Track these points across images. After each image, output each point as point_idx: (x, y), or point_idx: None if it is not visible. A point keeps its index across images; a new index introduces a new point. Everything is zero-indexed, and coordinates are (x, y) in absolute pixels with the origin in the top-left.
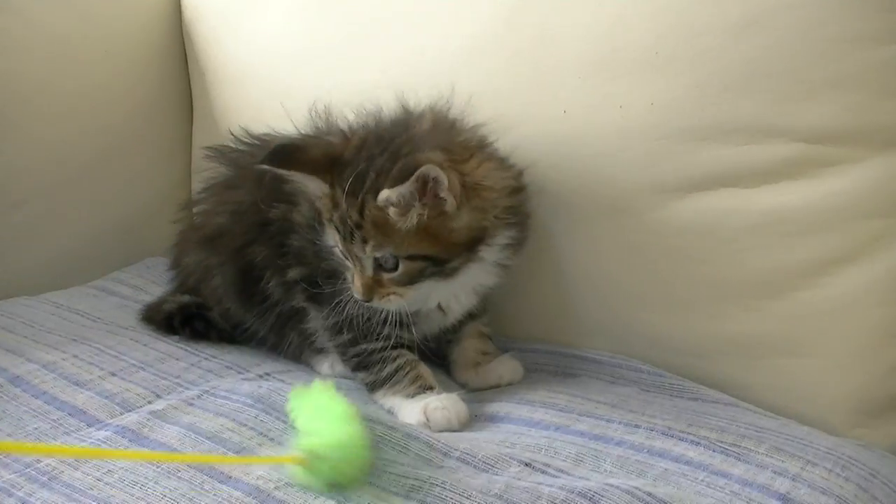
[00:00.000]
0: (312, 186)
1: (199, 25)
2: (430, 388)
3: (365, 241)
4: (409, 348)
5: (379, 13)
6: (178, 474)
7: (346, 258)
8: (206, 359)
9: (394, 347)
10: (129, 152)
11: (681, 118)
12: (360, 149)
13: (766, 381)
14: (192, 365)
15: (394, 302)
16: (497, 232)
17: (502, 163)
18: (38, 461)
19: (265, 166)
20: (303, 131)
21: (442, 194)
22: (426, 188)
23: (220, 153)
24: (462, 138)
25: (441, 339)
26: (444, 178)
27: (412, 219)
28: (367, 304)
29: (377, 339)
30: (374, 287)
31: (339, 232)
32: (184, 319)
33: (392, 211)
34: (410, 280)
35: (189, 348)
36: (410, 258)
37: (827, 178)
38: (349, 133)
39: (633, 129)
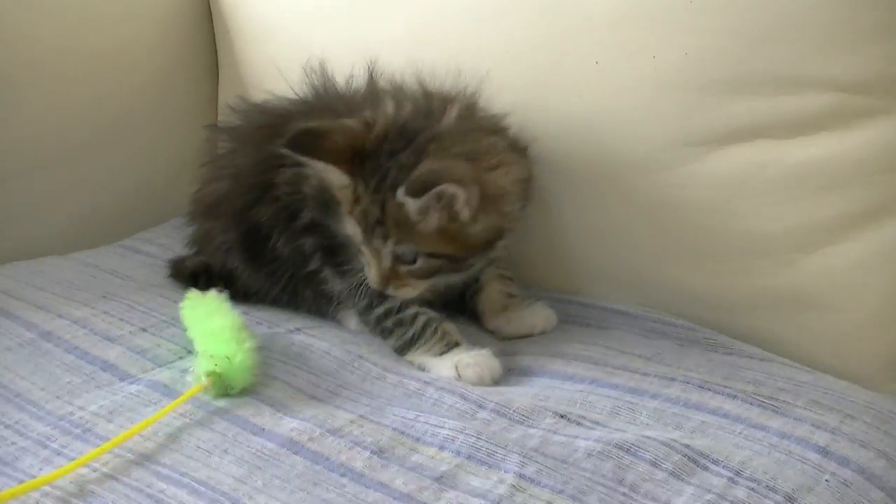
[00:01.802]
0: (332, 175)
1: None
2: (457, 345)
3: (386, 237)
4: (431, 305)
5: None
6: (212, 426)
7: (364, 248)
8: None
9: (411, 305)
10: (153, 113)
11: (715, 68)
12: (382, 140)
13: (800, 336)
14: None
15: (409, 292)
16: (514, 224)
17: (519, 151)
18: (73, 413)
19: (286, 151)
20: (299, 92)
21: (457, 208)
22: (441, 201)
23: (218, 129)
24: (488, 142)
25: (461, 291)
26: (462, 195)
27: (432, 222)
28: (382, 292)
29: (392, 299)
30: (390, 278)
31: (359, 225)
32: (209, 279)
33: (412, 211)
34: (427, 274)
35: None
36: (430, 256)
37: (865, 130)
38: (370, 119)
39: (667, 80)
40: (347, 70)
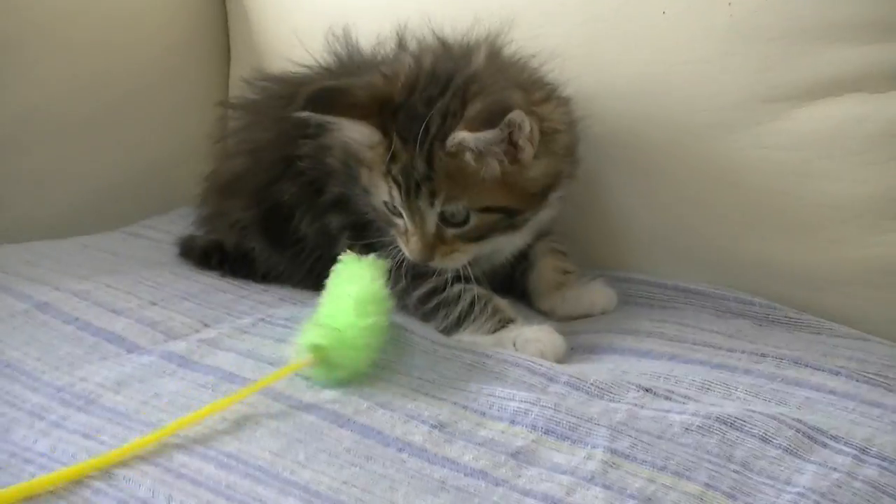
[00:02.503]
0: (359, 134)
1: None
2: (511, 321)
3: (434, 195)
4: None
5: None
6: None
7: (400, 215)
8: (256, 292)
9: (455, 283)
10: (161, 91)
11: (799, 14)
12: (411, 89)
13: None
14: (242, 297)
15: (457, 260)
16: (568, 174)
17: (560, 96)
18: (73, 384)
19: (305, 113)
20: (322, 63)
21: (521, 142)
22: (505, 135)
23: (233, 104)
24: (529, 75)
25: (509, 271)
26: (528, 125)
27: (492, 166)
28: (425, 264)
29: (434, 278)
30: (435, 245)
31: (398, 185)
32: (222, 258)
33: (469, 156)
34: (480, 235)
35: (236, 283)
36: (485, 210)
37: None
38: (389, 72)
39: (744, 28)
40: (375, 37)
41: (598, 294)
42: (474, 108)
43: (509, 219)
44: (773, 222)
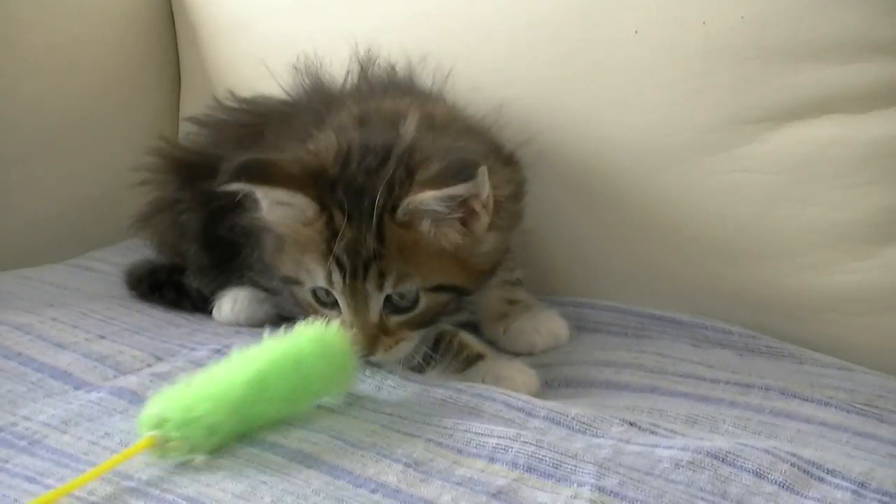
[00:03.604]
0: (293, 209)
1: None
2: (480, 357)
3: (383, 275)
4: None
5: None
6: None
7: (333, 305)
8: (212, 325)
9: None
10: (108, 118)
11: (775, 34)
12: (345, 162)
13: (881, 340)
14: (196, 330)
15: (402, 350)
16: (511, 243)
17: (507, 155)
18: (15, 424)
19: (235, 185)
20: (289, 91)
21: (478, 208)
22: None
23: (200, 121)
24: (473, 137)
25: None
26: (487, 188)
27: (450, 235)
28: (365, 360)
29: None
30: (378, 337)
31: (340, 268)
32: (153, 285)
33: (426, 225)
34: (426, 320)
35: (190, 316)
36: (436, 290)
37: None
38: (314, 149)
39: (718, 48)
40: (331, 59)
41: (541, 330)
42: (429, 171)
43: (458, 299)
44: (750, 248)
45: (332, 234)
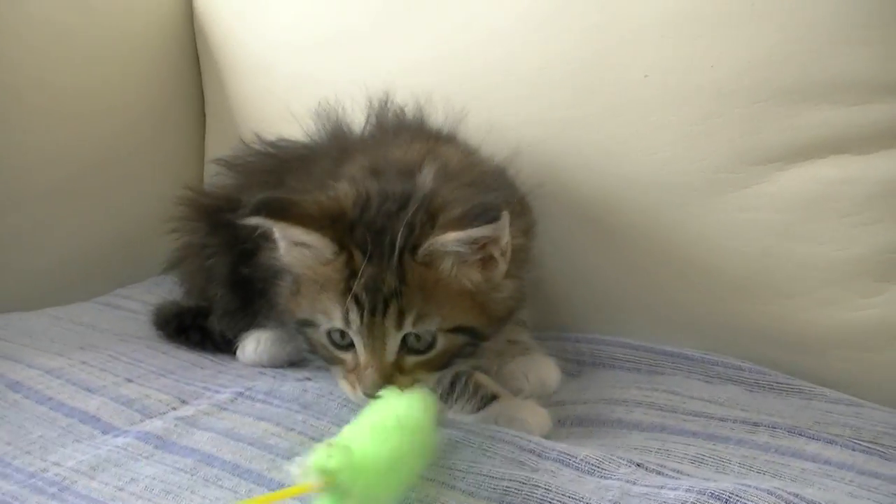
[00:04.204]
0: (313, 248)
1: (212, 18)
2: (495, 397)
3: (403, 313)
4: None
5: None
6: (220, 482)
7: (349, 347)
8: (235, 367)
9: None
10: (135, 159)
11: (782, 77)
12: (364, 206)
13: (889, 376)
14: (220, 372)
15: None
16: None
17: (519, 199)
18: (45, 470)
19: (254, 219)
20: (311, 135)
21: (497, 255)
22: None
23: (228, 163)
24: (487, 183)
25: None
26: (507, 234)
27: (470, 275)
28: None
29: None
30: (393, 378)
31: (359, 306)
32: (179, 327)
33: (447, 264)
34: (442, 363)
35: (215, 357)
36: (454, 331)
37: None
38: (334, 195)
39: (728, 91)
40: (352, 101)
41: (528, 381)
42: (453, 213)
43: (474, 343)
44: (760, 285)
45: (351, 273)
